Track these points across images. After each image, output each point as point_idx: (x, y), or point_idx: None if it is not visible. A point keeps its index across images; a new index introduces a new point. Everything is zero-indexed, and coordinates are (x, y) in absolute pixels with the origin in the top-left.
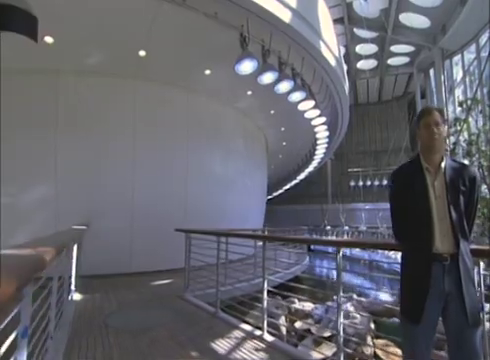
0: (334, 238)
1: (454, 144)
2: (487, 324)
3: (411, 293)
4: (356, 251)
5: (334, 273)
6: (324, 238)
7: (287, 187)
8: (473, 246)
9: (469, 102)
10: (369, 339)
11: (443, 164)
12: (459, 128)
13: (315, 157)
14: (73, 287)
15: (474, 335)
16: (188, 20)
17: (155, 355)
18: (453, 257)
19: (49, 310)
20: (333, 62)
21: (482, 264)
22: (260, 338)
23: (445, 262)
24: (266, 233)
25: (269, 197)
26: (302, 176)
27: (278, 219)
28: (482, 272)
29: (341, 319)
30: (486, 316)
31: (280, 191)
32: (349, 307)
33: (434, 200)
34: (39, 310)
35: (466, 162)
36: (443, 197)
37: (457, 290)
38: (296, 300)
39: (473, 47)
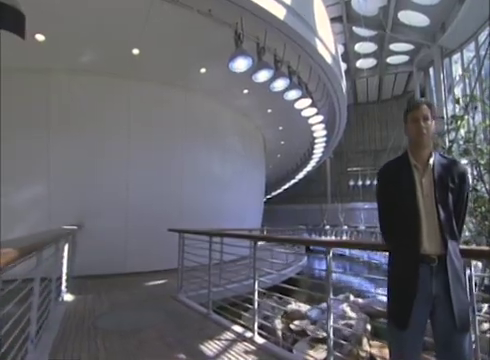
0: (325, 238)
1: (451, 142)
2: (485, 325)
3: (398, 297)
4: (356, 251)
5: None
6: (315, 238)
7: (286, 187)
8: (463, 246)
9: (466, 99)
10: (365, 340)
11: (431, 160)
12: (455, 126)
13: (313, 156)
14: (64, 288)
15: (463, 340)
16: (182, 18)
17: (142, 357)
18: (441, 258)
19: (30, 312)
20: (329, 60)
21: (480, 265)
22: (251, 340)
23: (433, 264)
24: (265, 233)
25: (268, 197)
26: (301, 175)
27: (278, 219)
28: (474, 273)
29: (331, 322)
30: (481, 318)
31: (279, 191)
32: (345, 308)
33: (421, 198)
34: (15, 313)
35: (464, 161)
36: (431, 195)
37: (445, 293)
38: (292, 301)
39: (472, 45)
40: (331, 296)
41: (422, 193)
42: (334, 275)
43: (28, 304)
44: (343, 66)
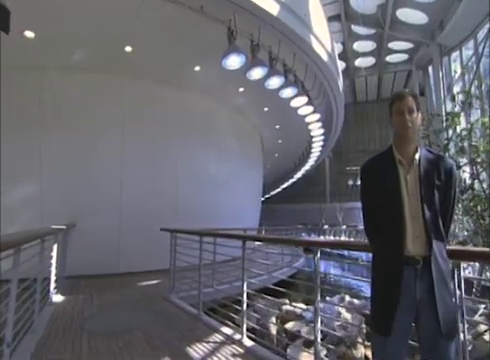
0: (313, 238)
1: (447, 139)
2: (483, 327)
3: (380, 301)
4: (355, 251)
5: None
6: (303, 238)
7: (285, 186)
8: (452, 247)
9: (465, 96)
10: (360, 342)
11: (417, 155)
12: (452, 123)
13: (311, 155)
14: (52, 289)
15: (448, 346)
16: (175, 15)
17: (125, 358)
18: (426, 260)
19: (6, 315)
20: (326, 58)
21: (477, 264)
22: (239, 342)
23: (417, 265)
24: (263, 232)
25: (267, 196)
26: (299, 175)
27: (277, 218)
28: (464, 275)
29: (319, 325)
30: (477, 320)
31: (278, 190)
32: (340, 309)
33: (406, 196)
34: None
35: (464, 159)
36: (416, 193)
37: (430, 296)
38: (287, 302)
39: (471, 43)
40: (319, 298)
41: (407, 191)
42: (331, 276)
43: (5, 306)
44: (342, 65)
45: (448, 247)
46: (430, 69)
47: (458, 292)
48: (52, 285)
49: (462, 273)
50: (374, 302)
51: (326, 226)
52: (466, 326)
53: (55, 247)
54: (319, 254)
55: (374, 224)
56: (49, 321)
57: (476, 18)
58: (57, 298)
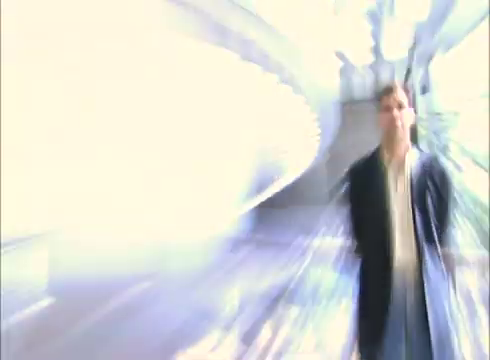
0: (304, 242)
1: (447, 140)
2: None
3: (368, 311)
4: None
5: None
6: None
7: (282, 187)
8: (447, 252)
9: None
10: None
11: (408, 157)
12: (455, 120)
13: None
14: (34, 299)
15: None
16: None
17: None
18: (416, 268)
19: None
20: (319, 54)
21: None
22: (230, 348)
23: (407, 273)
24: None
25: (263, 198)
26: (296, 176)
27: (274, 221)
28: (459, 281)
29: (310, 332)
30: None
31: (275, 191)
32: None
33: (396, 201)
34: None
35: (464, 160)
36: (407, 197)
37: (419, 309)
38: (280, 307)
39: None
40: (310, 304)
41: (396, 195)
42: (330, 280)
43: None
44: (339, 63)
45: (442, 253)
46: (430, 66)
47: (453, 300)
48: (33, 294)
49: (458, 279)
50: (361, 310)
51: (322, 229)
52: (462, 335)
53: (37, 255)
54: (309, 259)
55: (361, 229)
56: (27, 334)
57: (478, 12)
58: (37, 307)
